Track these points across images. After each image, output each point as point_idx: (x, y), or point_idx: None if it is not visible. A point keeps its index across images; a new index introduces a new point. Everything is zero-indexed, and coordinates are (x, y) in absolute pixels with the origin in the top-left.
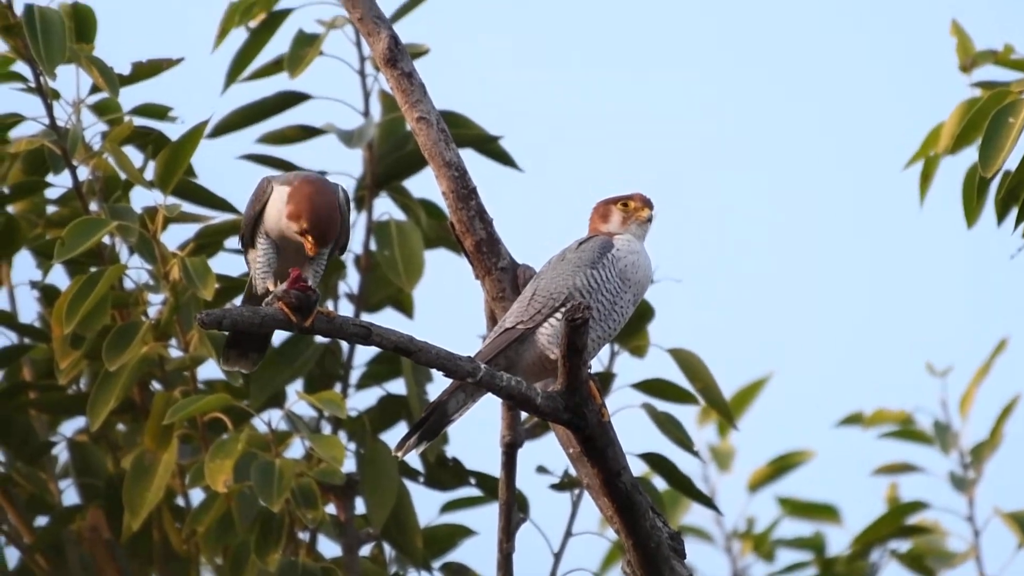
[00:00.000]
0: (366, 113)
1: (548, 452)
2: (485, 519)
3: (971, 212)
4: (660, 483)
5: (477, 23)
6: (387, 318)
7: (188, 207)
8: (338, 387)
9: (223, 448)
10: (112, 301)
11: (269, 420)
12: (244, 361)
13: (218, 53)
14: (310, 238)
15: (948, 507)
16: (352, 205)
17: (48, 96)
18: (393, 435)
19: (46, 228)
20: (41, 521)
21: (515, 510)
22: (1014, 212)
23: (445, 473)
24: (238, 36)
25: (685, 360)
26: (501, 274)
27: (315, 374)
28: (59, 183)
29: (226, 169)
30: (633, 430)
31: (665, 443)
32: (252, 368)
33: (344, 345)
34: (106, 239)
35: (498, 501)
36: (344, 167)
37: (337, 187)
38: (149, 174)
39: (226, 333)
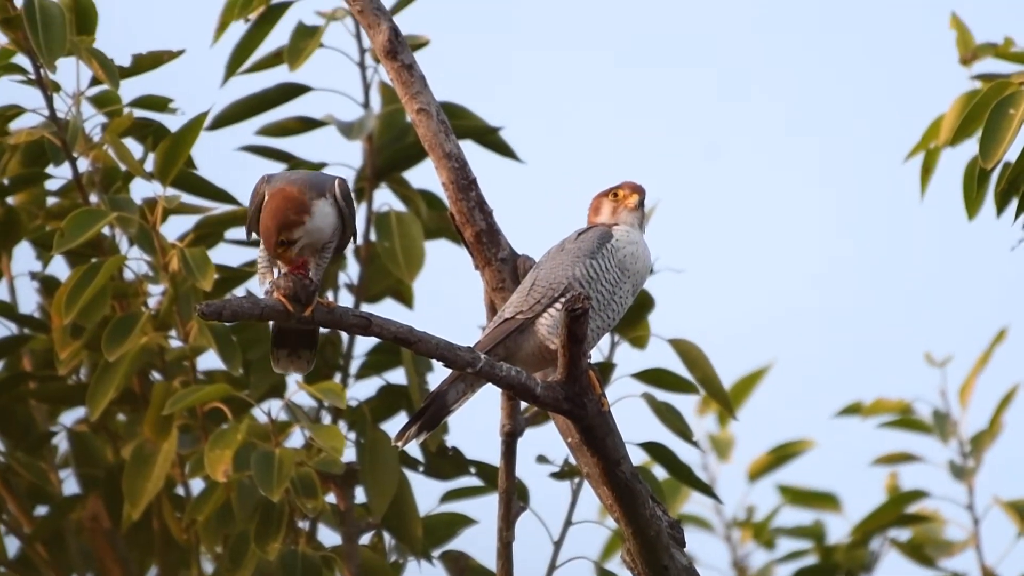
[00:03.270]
0: (366, 105)
1: (548, 441)
2: (485, 508)
3: (971, 204)
4: (660, 472)
5: (478, 14)
6: (387, 309)
7: (188, 198)
8: (338, 377)
9: (223, 438)
10: (112, 292)
11: (269, 410)
12: (298, 362)
13: (218, 46)
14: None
15: (948, 496)
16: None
17: (48, 88)
18: (393, 425)
19: (46, 219)
20: (41, 511)
21: (515, 499)
22: (1014, 203)
23: (445, 462)
24: (238, 28)
25: (685, 350)
26: (501, 264)
27: (315, 364)
28: (59, 175)
29: (226, 161)
30: (633, 420)
31: (665, 433)
32: (307, 369)
33: (344, 335)
34: (106, 230)
35: (498, 490)
36: (344, 159)
37: (333, 181)
38: (149, 166)
39: (227, 324)
